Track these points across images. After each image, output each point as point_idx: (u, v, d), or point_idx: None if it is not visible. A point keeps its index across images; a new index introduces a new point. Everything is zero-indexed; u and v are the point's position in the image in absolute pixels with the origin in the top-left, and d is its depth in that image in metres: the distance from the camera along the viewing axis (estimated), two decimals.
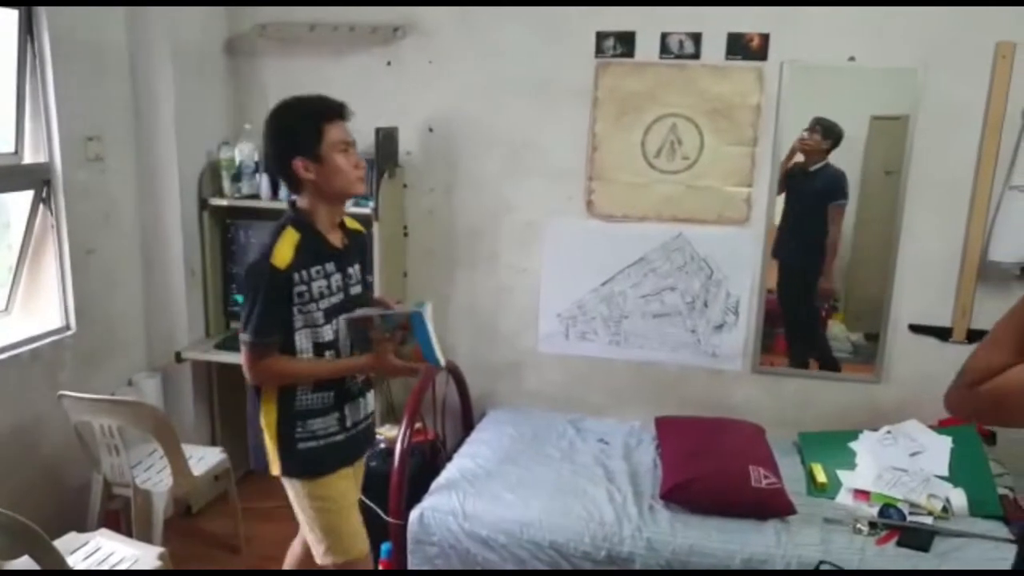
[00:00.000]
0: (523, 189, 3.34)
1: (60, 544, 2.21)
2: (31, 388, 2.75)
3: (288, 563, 2.41)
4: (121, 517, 2.86)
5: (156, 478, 2.81)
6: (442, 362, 2.04)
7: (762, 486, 2.59)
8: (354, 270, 2.10)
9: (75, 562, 2.24)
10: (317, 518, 2.08)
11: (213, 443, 3.39)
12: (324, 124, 1.93)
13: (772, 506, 2.57)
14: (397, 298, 2.17)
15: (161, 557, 2.34)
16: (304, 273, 1.93)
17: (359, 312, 2.03)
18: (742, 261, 3.21)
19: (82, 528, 2.56)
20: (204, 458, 2.94)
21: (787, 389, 3.27)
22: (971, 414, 1.23)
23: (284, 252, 1.90)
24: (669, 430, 3.04)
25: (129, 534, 2.63)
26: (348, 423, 2.09)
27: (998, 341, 1.18)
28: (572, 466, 2.93)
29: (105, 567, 2.30)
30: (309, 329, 1.96)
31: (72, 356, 2.92)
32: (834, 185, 3.11)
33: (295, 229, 1.95)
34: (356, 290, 2.10)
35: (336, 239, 2.05)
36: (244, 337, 1.93)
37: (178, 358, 3.28)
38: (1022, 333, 1.17)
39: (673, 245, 3.24)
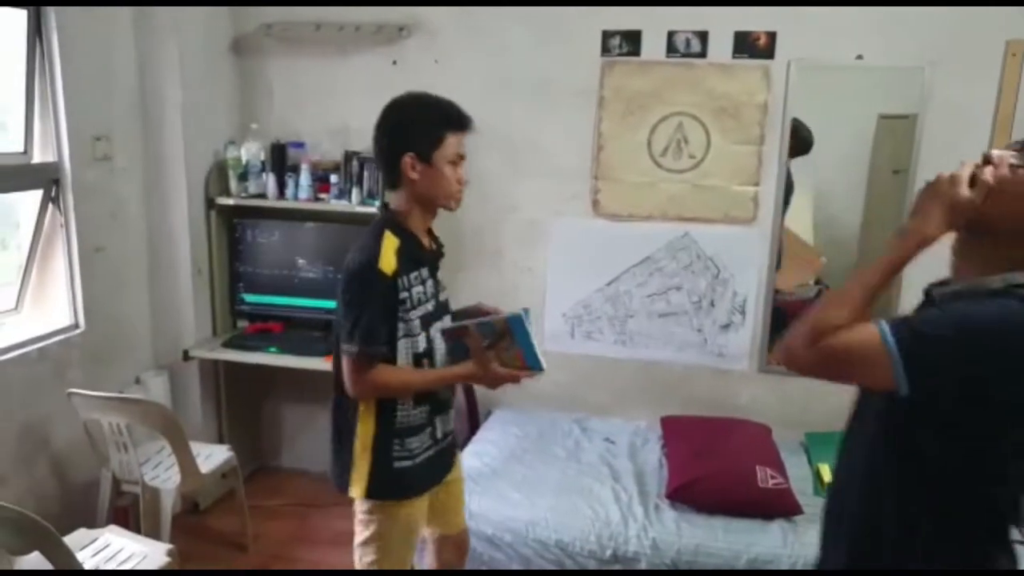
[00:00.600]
0: (528, 188, 3.34)
1: (70, 540, 2.22)
2: (41, 386, 2.76)
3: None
4: (130, 514, 2.88)
5: (164, 475, 2.83)
6: (544, 366, 1.93)
7: (768, 486, 2.59)
8: (440, 276, 2.03)
9: (84, 558, 2.25)
10: (376, 542, 1.94)
11: (220, 441, 3.41)
12: (447, 132, 1.86)
13: (778, 506, 2.57)
14: (490, 305, 2.10)
15: (170, 554, 2.35)
16: (405, 279, 1.85)
17: (454, 323, 1.97)
18: (749, 260, 3.20)
19: (91, 524, 2.58)
20: (211, 456, 2.96)
21: (794, 389, 3.26)
22: (810, 369, 1.23)
23: (388, 257, 1.81)
24: (675, 430, 3.04)
25: (138, 531, 2.64)
26: (439, 434, 2.00)
27: (844, 297, 1.22)
28: (578, 465, 2.94)
29: (114, 563, 2.31)
30: (408, 339, 1.87)
31: (81, 354, 2.93)
32: None
33: (393, 233, 1.85)
34: (444, 296, 2.03)
35: (426, 243, 1.98)
36: (350, 348, 1.80)
37: (185, 356, 3.29)
38: (868, 291, 1.22)
39: (679, 244, 3.24)
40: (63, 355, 2.86)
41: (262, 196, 3.32)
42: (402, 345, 1.86)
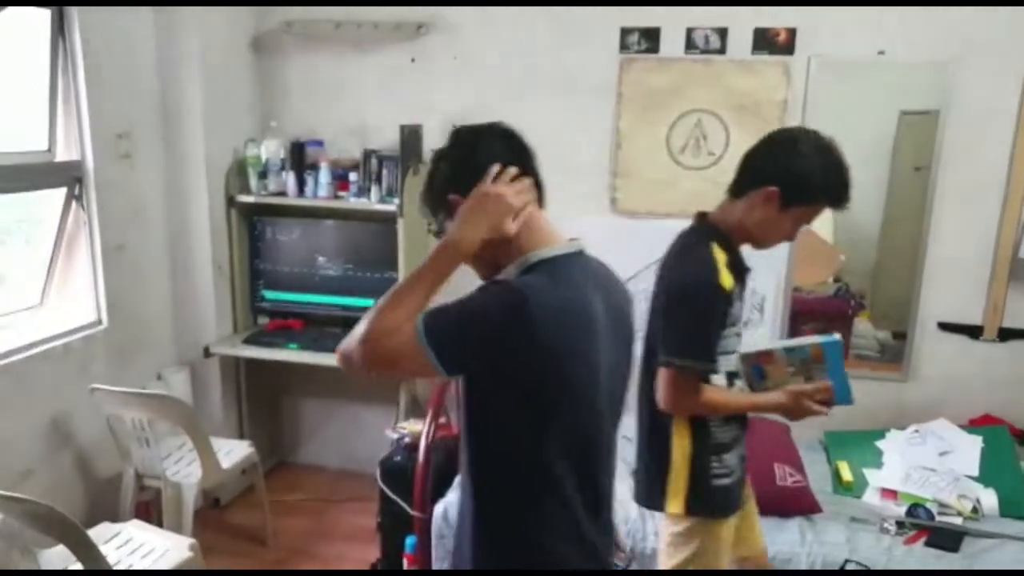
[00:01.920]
0: (547, 186, 3.33)
1: (93, 534, 2.25)
2: (65, 381, 2.80)
3: None
4: (152, 508, 2.91)
5: (186, 471, 2.85)
6: (854, 400, 1.81)
7: (787, 484, 2.58)
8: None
9: (108, 552, 2.28)
10: (692, 562, 1.88)
11: (241, 437, 3.43)
12: (823, 203, 1.77)
13: (797, 504, 2.56)
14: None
15: (192, 548, 2.38)
16: (734, 294, 1.80)
17: (757, 348, 1.88)
18: (768, 258, 3.13)
19: (114, 518, 2.62)
20: (232, 452, 2.98)
21: None
22: (362, 369, 1.27)
23: (724, 272, 1.75)
24: None
25: (160, 525, 2.67)
26: (744, 451, 1.94)
27: (395, 301, 1.25)
28: None
29: (137, 557, 2.34)
30: (724, 356, 1.81)
31: (104, 350, 2.97)
32: None
33: (720, 247, 1.79)
34: (743, 313, 1.95)
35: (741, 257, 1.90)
36: (681, 362, 1.74)
37: (206, 353, 3.32)
38: (418, 296, 1.27)
39: None
40: (86, 351, 2.90)
41: (282, 194, 3.34)
42: (719, 362, 1.80)
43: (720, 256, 1.77)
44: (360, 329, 1.25)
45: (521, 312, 1.21)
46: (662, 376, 1.78)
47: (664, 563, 1.94)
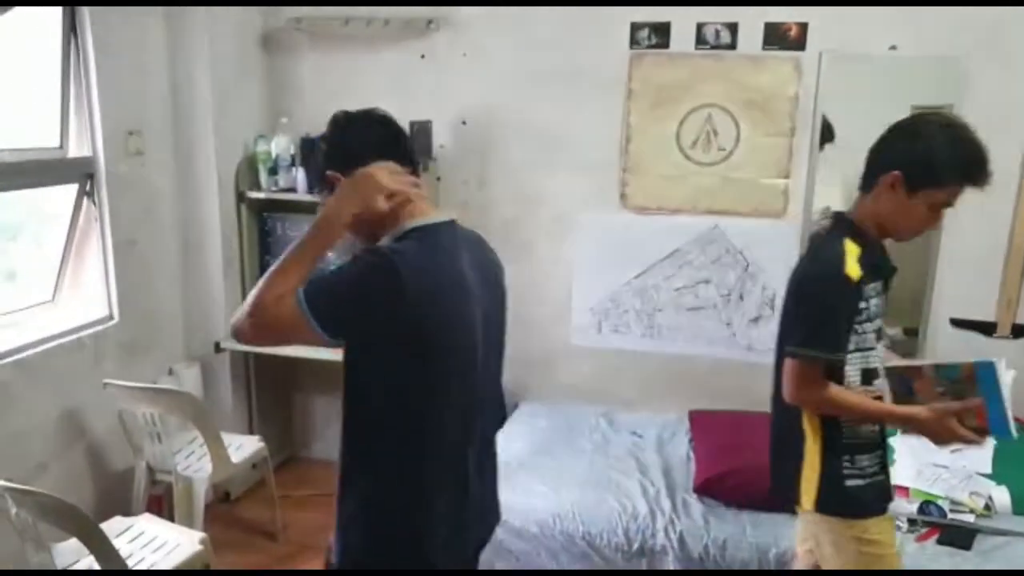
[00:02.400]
0: (556, 181, 3.34)
1: (106, 527, 2.27)
2: (77, 376, 2.82)
3: None
4: (164, 502, 2.94)
5: (197, 465, 2.87)
6: (1015, 434, 1.68)
7: None
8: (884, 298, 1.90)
9: (120, 545, 2.29)
10: (859, 562, 1.84)
11: (251, 432, 3.45)
12: (961, 183, 1.71)
13: None
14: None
15: (202, 542, 2.39)
16: (866, 288, 1.76)
17: (905, 361, 1.82)
18: (778, 253, 3.16)
19: (126, 512, 2.64)
20: (242, 446, 3.00)
21: None
22: (253, 339, 1.35)
23: (852, 263, 1.72)
24: (703, 424, 3.03)
25: (171, 519, 2.69)
26: (887, 460, 1.90)
27: (280, 274, 1.33)
28: (605, 459, 2.93)
29: (149, 551, 2.36)
30: (860, 353, 1.78)
31: (115, 345, 2.99)
32: None
33: (853, 242, 1.76)
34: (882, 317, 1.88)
35: (884, 254, 1.86)
36: (804, 352, 1.73)
37: (217, 348, 3.34)
38: (300, 267, 1.35)
39: (708, 237, 3.21)
40: (98, 346, 2.91)
41: (292, 190, 3.35)
42: (854, 359, 1.77)
43: (852, 249, 1.74)
44: (248, 301, 1.33)
45: (390, 273, 1.33)
46: (788, 367, 1.78)
47: (830, 563, 1.89)
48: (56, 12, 2.72)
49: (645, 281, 3.32)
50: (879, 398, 1.81)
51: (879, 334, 1.84)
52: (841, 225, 1.83)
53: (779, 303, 3.17)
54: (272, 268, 1.35)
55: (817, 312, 1.76)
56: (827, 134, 3.07)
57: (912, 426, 1.80)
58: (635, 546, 2.49)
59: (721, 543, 2.45)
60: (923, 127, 1.77)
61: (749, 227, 3.17)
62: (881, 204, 1.76)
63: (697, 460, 2.81)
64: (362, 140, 1.49)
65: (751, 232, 3.17)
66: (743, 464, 2.64)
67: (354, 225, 1.43)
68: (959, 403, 1.70)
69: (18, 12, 2.56)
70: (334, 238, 1.42)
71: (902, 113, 2.99)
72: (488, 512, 1.67)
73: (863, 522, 1.83)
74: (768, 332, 3.22)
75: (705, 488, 2.63)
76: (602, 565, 2.53)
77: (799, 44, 3.00)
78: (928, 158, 1.70)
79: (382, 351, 1.38)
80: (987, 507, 2.52)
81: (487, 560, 2.61)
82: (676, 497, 2.65)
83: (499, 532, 2.56)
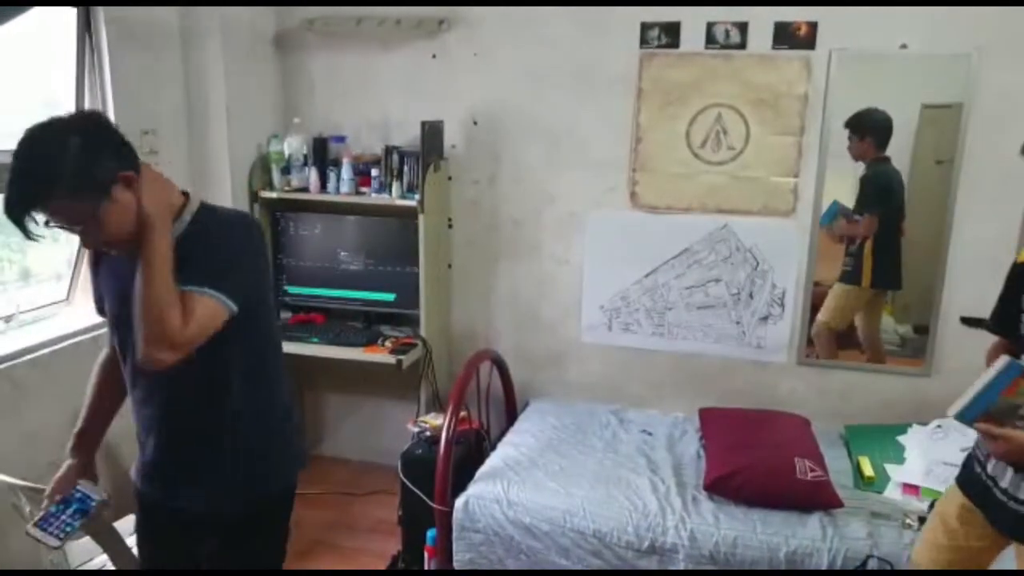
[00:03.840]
0: (566, 180, 3.35)
1: (119, 525, 2.29)
2: (91, 375, 2.83)
3: None
4: None
5: None
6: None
7: (808, 478, 2.57)
8: None
9: (133, 543, 2.31)
10: None
11: None
12: None
13: (818, 499, 2.55)
14: None
15: None
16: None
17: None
18: (788, 252, 3.17)
19: None
20: None
21: (833, 381, 3.24)
22: (182, 358, 1.46)
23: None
24: (713, 422, 3.04)
25: None
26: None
27: (163, 301, 1.42)
28: (615, 456, 2.95)
29: None
30: None
31: None
32: None
33: None
34: None
35: None
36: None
37: None
38: (168, 274, 1.44)
39: (718, 236, 3.22)
40: None
41: (304, 190, 3.38)
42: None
43: None
44: (156, 335, 1.42)
45: (259, 228, 1.66)
46: None
47: None
48: (71, 12, 2.74)
49: (655, 279, 3.33)
50: None
51: None
52: None
53: (788, 301, 3.20)
54: (148, 299, 1.41)
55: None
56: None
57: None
58: (645, 544, 2.50)
59: (731, 541, 2.46)
60: None
61: (759, 226, 3.18)
62: None
63: (707, 458, 2.82)
64: (121, 137, 1.56)
65: (761, 231, 3.18)
66: (754, 462, 2.65)
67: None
68: None
69: (33, 13, 2.59)
70: (167, 231, 1.48)
71: (912, 111, 3.04)
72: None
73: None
74: (777, 331, 3.23)
75: (715, 486, 2.64)
76: (613, 562, 2.55)
77: (809, 43, 3.00)
78: None
79: (252, 299, 1.59)
80: None
81: (498, 558, 2.64)
82: (686, 495, 2.66)
83: (510, 529, 2.59)
